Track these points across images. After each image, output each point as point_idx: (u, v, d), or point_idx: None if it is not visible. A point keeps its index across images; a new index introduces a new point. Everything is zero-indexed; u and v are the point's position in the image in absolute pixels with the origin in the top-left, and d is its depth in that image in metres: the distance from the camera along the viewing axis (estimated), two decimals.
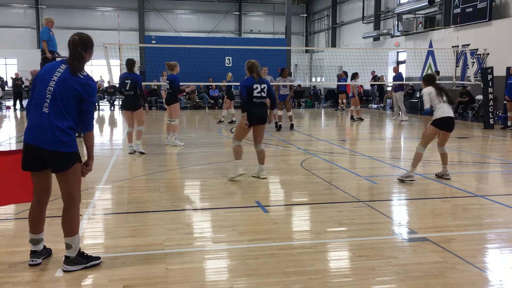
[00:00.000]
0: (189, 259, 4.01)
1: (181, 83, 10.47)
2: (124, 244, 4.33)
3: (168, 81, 10.22)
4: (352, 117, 16.46)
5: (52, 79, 3.57)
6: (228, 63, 23.12)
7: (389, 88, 23.25)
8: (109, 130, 15.08)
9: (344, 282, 3.56)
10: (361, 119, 16.46)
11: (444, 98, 6.77)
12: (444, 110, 6.74)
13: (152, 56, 20.94)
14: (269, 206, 5.70)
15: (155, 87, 21.86)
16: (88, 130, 3.74)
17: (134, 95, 9.09)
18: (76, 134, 3.82)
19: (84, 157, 3.77)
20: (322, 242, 4.44)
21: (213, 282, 3.58)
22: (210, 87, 22.50)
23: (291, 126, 13.63)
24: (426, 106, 6.81)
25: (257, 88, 6.77)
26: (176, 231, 4.70)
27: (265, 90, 6.82)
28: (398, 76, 16.41)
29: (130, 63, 9.23)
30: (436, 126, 6.79)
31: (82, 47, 3.65)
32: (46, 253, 3.91)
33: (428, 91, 6.80)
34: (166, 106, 10.61)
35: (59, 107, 3.55)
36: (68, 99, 3.57)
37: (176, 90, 10.24)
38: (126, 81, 9.08)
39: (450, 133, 6.97)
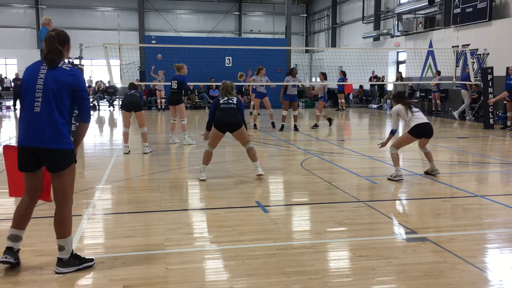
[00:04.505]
0: (189, 259, 4.01)
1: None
2: (124, 244, 4.33)
3: (176, 81, 10.32)
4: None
5: (39, 77, 3.58)
6: (228, 63, 23.08)
7: (389, 88, 23.27)
8: (109, 130, 15.08)
9: (344, 282, 3.56)
10: (316, 126, 14.00)
11: (414, 109, 7.07)
12: (418, 119, 6.98)
13: (152, 56, 20.92)
14: (269, 206, 5.70)
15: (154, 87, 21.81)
16: (86, 121, 3.80)
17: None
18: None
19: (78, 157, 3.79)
20: (322, 242, 4.44)
21: (213, 282, 3.58)
22: (210, 87, 22.51)
23: (295, 127, 13.33)
24: (393, 126, 7.15)
25: (225, 100, 6.98)
26: (176, 231, 4.70)
27: (233, 101, 6.99)
28: (466, 76, 16.70)
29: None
30: (412, 135, 7.01)
31: (59, 42, 3.68)
32: (18, 259, 3.74)
33: (396, 110, 7.13)
34: (170, 106, 10.64)
35: (52, 104, 3.56)
36: (60, 94, 3.59)
37: (185, 91, 10.63)
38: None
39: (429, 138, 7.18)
